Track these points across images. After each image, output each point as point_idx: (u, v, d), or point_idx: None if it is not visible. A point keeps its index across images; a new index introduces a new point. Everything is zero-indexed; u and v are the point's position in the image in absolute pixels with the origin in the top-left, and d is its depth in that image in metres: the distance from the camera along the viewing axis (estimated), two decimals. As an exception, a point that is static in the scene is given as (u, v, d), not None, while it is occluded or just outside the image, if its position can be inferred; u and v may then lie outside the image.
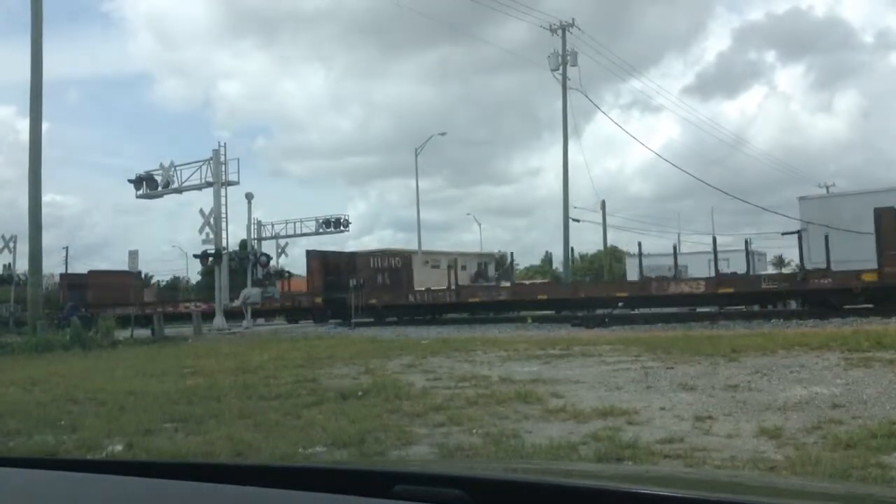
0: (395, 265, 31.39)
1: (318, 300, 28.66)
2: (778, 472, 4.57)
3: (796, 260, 27.13)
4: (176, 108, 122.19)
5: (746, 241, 26.87)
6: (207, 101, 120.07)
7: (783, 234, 25.81)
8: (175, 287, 59.33)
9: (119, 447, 6.16)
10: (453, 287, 26.71)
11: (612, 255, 56.09)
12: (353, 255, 32.65)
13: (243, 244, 34.04)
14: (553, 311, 25.59)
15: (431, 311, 27.40)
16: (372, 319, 26.61)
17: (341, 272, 29.39)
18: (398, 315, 27.15)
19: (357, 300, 27.00)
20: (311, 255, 30.57)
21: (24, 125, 25.89)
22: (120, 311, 30.40)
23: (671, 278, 24.91)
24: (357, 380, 10.07)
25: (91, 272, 39.75)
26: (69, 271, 42.82)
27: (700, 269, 26.62)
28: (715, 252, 24.24)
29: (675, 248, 27.82)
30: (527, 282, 37.04)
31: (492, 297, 26.30)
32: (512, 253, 32.18)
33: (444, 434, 6.20)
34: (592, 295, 24.53)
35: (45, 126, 26.31)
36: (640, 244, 29.10)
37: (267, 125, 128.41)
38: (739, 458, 4.99)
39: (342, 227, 36.23)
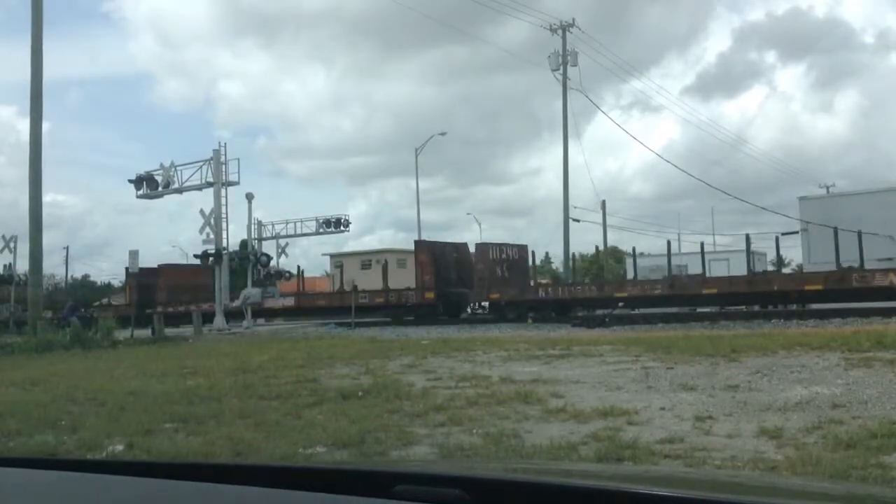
0: (513, 257, 27.41)
1: (430, 295, 25.80)
2: (778, 473, 4.57)
3: (797, 260, 27.15)
4: (177, 108, 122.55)
5: (747, 237, 26.49)
6: (208, 100, 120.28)
7: (783, 234, 25.78)
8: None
9: (119, 447, 6.16)
10: (594, 282, 24.41)
11: (613, 256, 56.12)
12: (462, 246, 29.65)
13: (243, 244, 34.05)
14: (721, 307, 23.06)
15: (566, 307, 24.37)
16: (491, 315, 24.96)
17: (449, 264, 27.02)
18: (521, 311, 24.44)
19: (476, 295, 25.36)
20: (420, 246, 27.94)
21: (24, 125, 25.89)
22: (195, 309, 29.29)
23: (875, 270, 21.05)
24: (357, 380, 10.07)
25: (163, 267, 35.89)
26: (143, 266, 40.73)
27: (699, 269, 26.53)
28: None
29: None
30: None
31: (645, 291, 23.70)
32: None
33: (445, 434, 6.19)
34: (783, 288, 21.84)
35: (45, 126, 26.32)
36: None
37: (268, 125, 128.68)
38: (740, 459, 4.99)
39: (342, 227, 36.24)
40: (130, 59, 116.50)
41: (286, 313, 31.59)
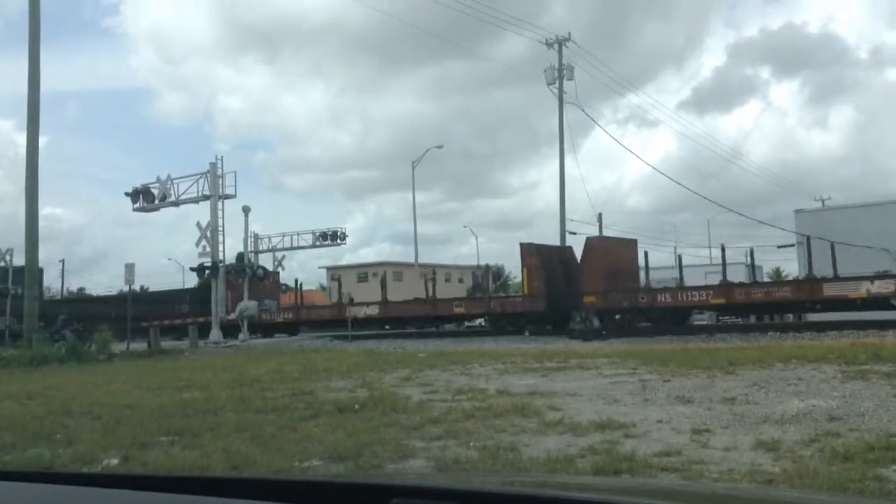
0: None
1: None
2: (775, 485, 4.56)
3: (792, 272, 27.16)
4: (176, 122, 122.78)
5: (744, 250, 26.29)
6: (208, 115, 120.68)
7: (779, 247, 25.81)
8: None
9: (115, 461, 6.13)
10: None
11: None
12: None
13: (240, 257, 34.02)
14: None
15: None
16: None
17: None
18: None
19: None
20: None
21: (23, 138, 25.89)
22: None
23: None
24: (354, 393, 10.04)
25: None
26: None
27: (696, 281, 26.49)
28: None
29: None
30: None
31: None
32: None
33: (441, 447, 6.17)
34: None
35: (44, 139, 26.44)
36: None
37: (267, 139, 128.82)
38: (737, 471, 4.98)
39: (339, 241, 36.24)
40: (131, 73, 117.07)
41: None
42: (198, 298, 33.37)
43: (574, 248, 26.02)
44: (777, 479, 4.78)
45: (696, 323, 24.72)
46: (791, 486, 4.54)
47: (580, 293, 23.13)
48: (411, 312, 28.33)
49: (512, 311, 24.42)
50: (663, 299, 22.35)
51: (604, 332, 21.51)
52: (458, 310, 26.77)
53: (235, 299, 30.15)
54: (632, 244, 25.80)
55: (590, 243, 24.12)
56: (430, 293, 27.53)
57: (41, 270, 41.42)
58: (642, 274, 24.33)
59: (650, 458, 5.42)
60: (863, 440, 5.65)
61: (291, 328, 31.48)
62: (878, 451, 5.25)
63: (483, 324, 28.58)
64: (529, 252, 24.28)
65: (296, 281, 34.74)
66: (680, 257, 26.15)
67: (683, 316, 23.31)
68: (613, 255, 23.80)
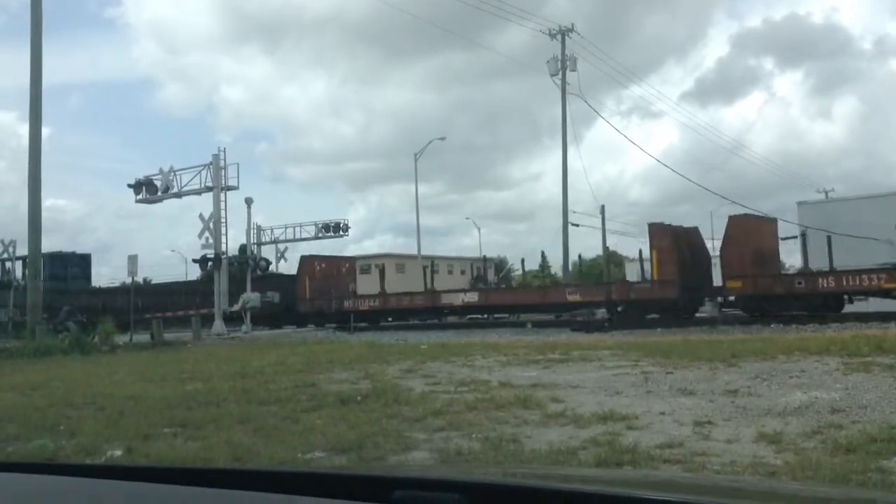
0: None
1: None
2: (778, 477, 4.57)
3: (796, 264, 27.09)
4: (179, 114, 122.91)
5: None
6: (210, 106, 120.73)
7: (782, 238, 25.73)
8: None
9: (118, 452, 6.15)
10: None
11: (611, 260, 56.16)
12: None
13: (243, 248, 34.09)
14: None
15: None
16: None
17: None
18: None
19: None
20: None
21: (26, 130, 25.91)
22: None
23: None
24: (356, 384, 10.05)
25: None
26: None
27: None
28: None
29: (640, 252, 24.79)
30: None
31: None
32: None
33: (444, 439, 6.18)
34: None
35: (47, 131, 26.50)
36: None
37: (269, 130, 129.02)
38: (739, 463, 4.98)
39: (342, 232, 36.25)
40: (133, 64, 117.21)
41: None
42: (200, 290, 33.38)
43: (699, 229, 24.13)
44: (779, 471, 4.78)
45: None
46: (793, 478, 4.54)
47: (711, 278, 21.52)
48: (518, 300, 26.69)
49: (638, 298, 22.18)
50: (825, 284, 20.02)
51: (606, 324, 21.47)
52: (572, 298, 24.10)
53: (311, 291, 28.13)
54: (771, 224, 23.68)
55: (733, 222, 21.50)
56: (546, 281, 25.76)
57: (89, 256, 41.69)
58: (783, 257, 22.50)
59: (652, 450, 5.42)
60: (865, 432, 5.64)
61: (376, 317, 28.19)
62: (880, 443, 5.24)
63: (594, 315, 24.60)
64: (660, 232, 21.91)
65: (382, 267, 31.65)
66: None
67: (840, 303, 21.13)
68: (757, 235, 21.69)
